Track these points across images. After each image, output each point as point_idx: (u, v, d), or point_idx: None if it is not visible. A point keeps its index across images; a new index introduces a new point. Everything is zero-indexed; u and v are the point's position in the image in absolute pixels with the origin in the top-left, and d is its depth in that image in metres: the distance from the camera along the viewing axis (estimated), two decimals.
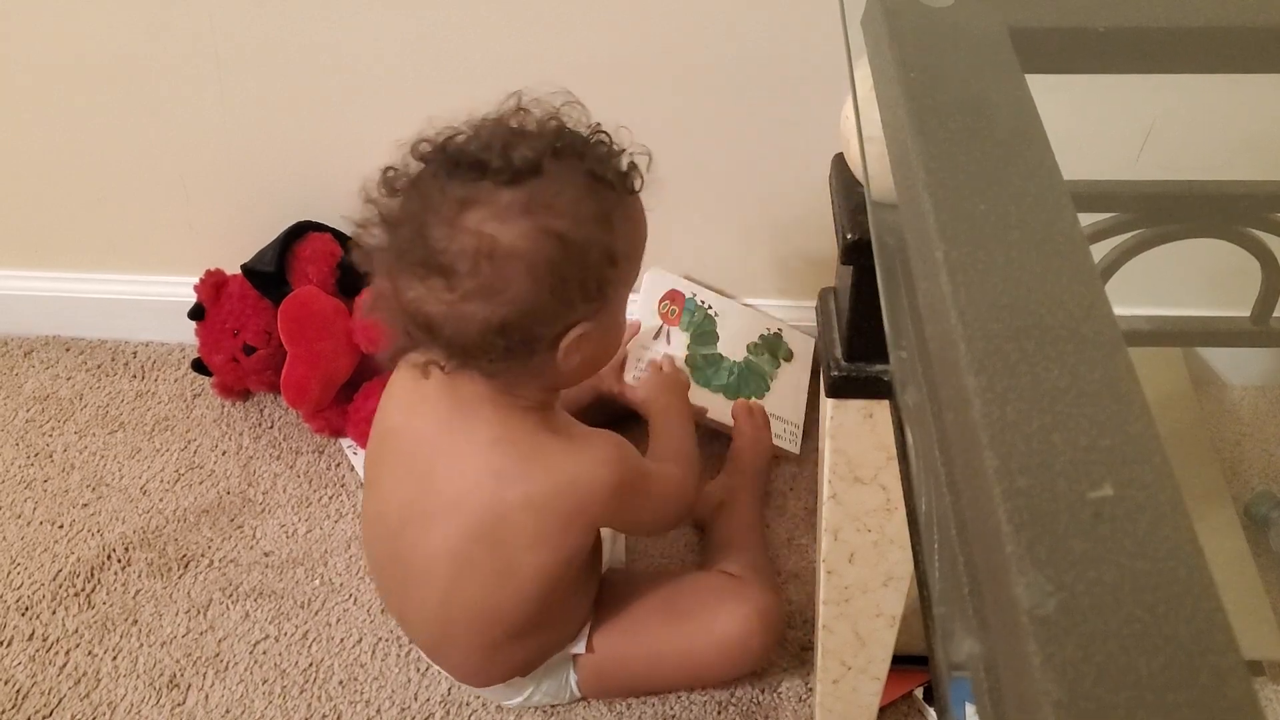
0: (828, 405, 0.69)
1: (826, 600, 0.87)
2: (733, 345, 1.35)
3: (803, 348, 1.39)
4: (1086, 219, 0.63)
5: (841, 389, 0.66)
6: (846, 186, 0.61)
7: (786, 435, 1.31)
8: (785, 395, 1.34)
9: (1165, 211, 0.59)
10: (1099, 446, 0.32)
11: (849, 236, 0.58)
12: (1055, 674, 0.27)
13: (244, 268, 1.36)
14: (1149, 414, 0.33)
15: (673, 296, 1.34)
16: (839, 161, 0.63)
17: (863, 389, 0.66)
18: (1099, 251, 0.64)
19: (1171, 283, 1.14)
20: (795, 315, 1.40)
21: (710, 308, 1.35)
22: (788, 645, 1.14)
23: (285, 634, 1.18)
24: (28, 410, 1.46)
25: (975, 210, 0.41)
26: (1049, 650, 0.28)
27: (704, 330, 1.34)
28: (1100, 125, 1.11)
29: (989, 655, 0.29)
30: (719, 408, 1.28)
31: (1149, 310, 0.72)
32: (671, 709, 1.10)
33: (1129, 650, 0.28)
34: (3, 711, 1.11)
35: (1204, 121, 1.13)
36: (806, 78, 1.15)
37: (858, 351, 0.65)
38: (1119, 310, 0.38)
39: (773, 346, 1.36)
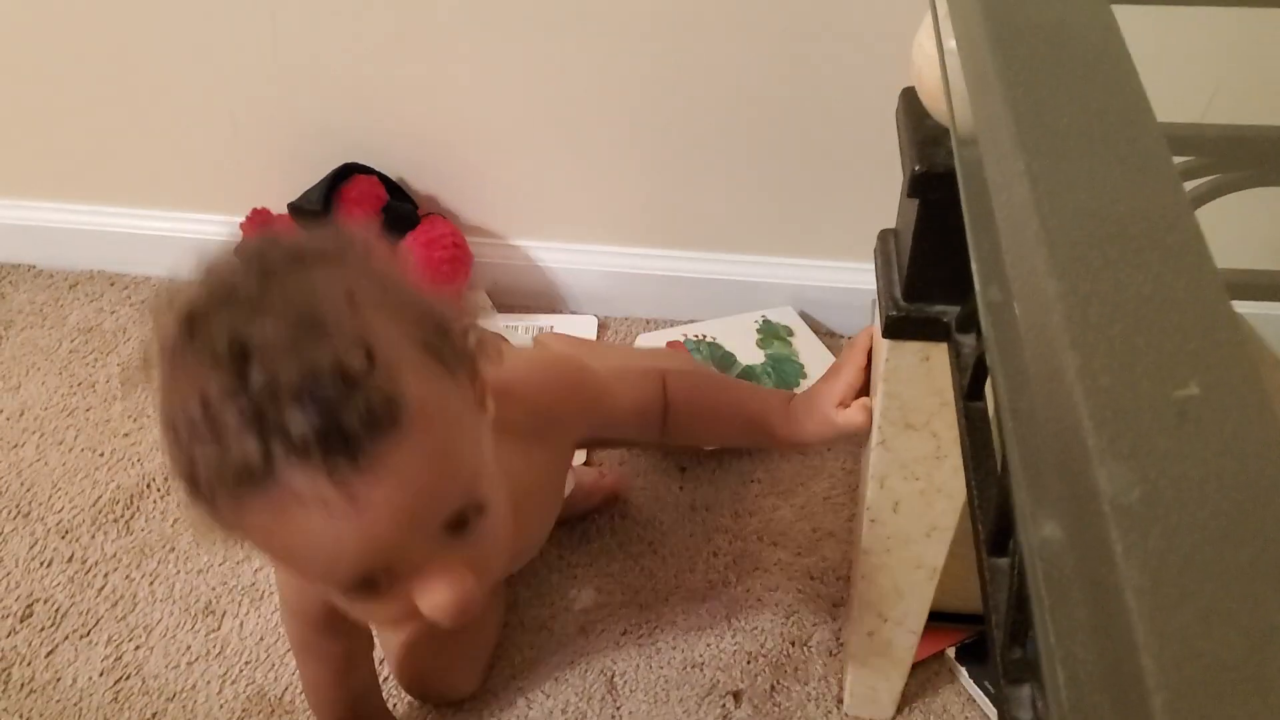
0: (883, 347, 0.69)
1: (867, 550, 0.86)
2: (747, 352, 1.37)
3: (792, 320, 1.42)
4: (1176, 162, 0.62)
5: (899, 329, 0.66)
6: (915, 119, 0.60)
7: None
8: (816, 360, 1.36)
9: (1241, 157, 0.58)
10: (1184, 350, 0.32)
11: (917, 169, 0.57)
12: (1138, 562, 0.27)
13: (290, 206, 1.37)
14: (1235, 319, 0.33)
15: (674, 348, 1.37)
16: (908, 94, 0.62)
17: (921, 330, 0.65)
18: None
19: (1244, 235, 1.12)
20: (819, 275, 1.39)
21: (707, 337, 1.38)
22: (820, 600, 1.14)
23: None
24: (72, 341, 1.48)
25: (1057, 124, 0.40)
26: (1131, 539, 0.27)
27: (720, 354, 1.36)
28: (1176, 65, 1.09)
29: (1067, 542, 0.29)
30: None
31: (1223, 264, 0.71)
32: (700, 655, 1.10)
33: (1214, 543, 0.28)
34: (42, 628, 1.13)
35: None
36: (870, 17, 1.14)
37: (918, 291, 0.64)
38: None
39: (772, 331, 1.39)
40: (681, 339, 1.38)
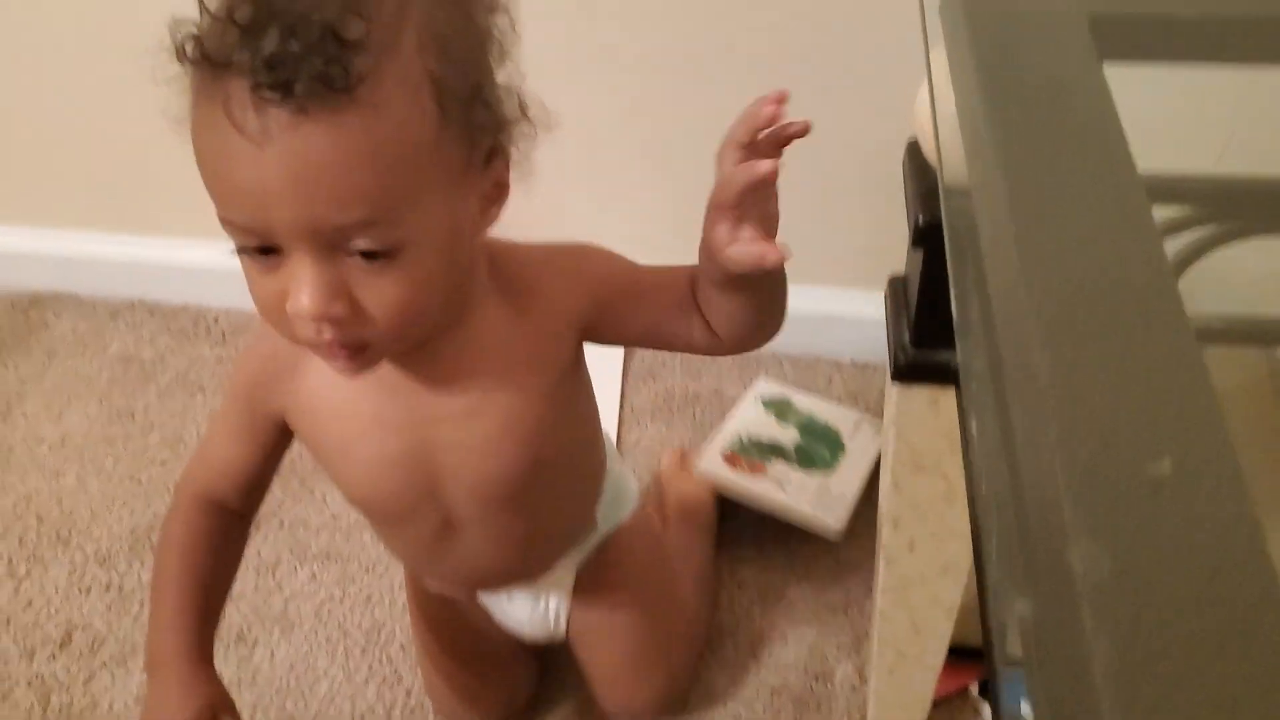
0: (893, 391, 0.70)
1: (885, 589, 0.87)
2: (775, 435, 1.32)
3: (777, 391, 1.39)
4: (1160, 212, 0.63)
5: (908, 374, 0.67)
6: (919, 172, 0.62)
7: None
8: (833, 416, 1.34)
9: (1242, 207, 0.58)
10: (1160, 424, 0.33)
11: (920, 220, 0.59)
12: (1107, 636, 0.28)
13: None
14: (1211, 394, 0.33)
15: (731, 460, 1.29)
16: (913, 148, 0.63)
17: (929, 375, 0.66)
18: (1171, 246, 0.64)
19: (1250, 281, 1.12)
20: (837, 306, 1.40)
21: (744, 438, 1.31)
22: (843, 634, 1.15)
23: (350, 596, 1.21)
24: (111, 370, 1.51)
25: (1047, 189, 0.41)
26: (1101, 613, 0.28)
27: (767, 448, 1.30)
28: (1182, 119, 1.09)
29: (1040, 617, 0.30)
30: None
31: (1227, 309, 0.71)
32: (723, 688, 1.11)
33: (1181, 617, 0.28)
34: (80, 655, 1.16)
35: None
36: (881, 66, 1.15)
37: (926, 337, 0.65)
38: (1192, 308, 0.38)
39: (777, 407, 1.36)
40: (727, 456, 1.28)
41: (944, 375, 0.65)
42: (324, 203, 0.58)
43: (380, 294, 0.62)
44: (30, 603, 1.21)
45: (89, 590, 1.22)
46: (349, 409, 0.77)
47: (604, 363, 1.45)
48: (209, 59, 0.57)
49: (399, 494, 0.81)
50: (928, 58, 0.53)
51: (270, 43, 0.55)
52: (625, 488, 1.03)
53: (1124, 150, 0.44)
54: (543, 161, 0.70)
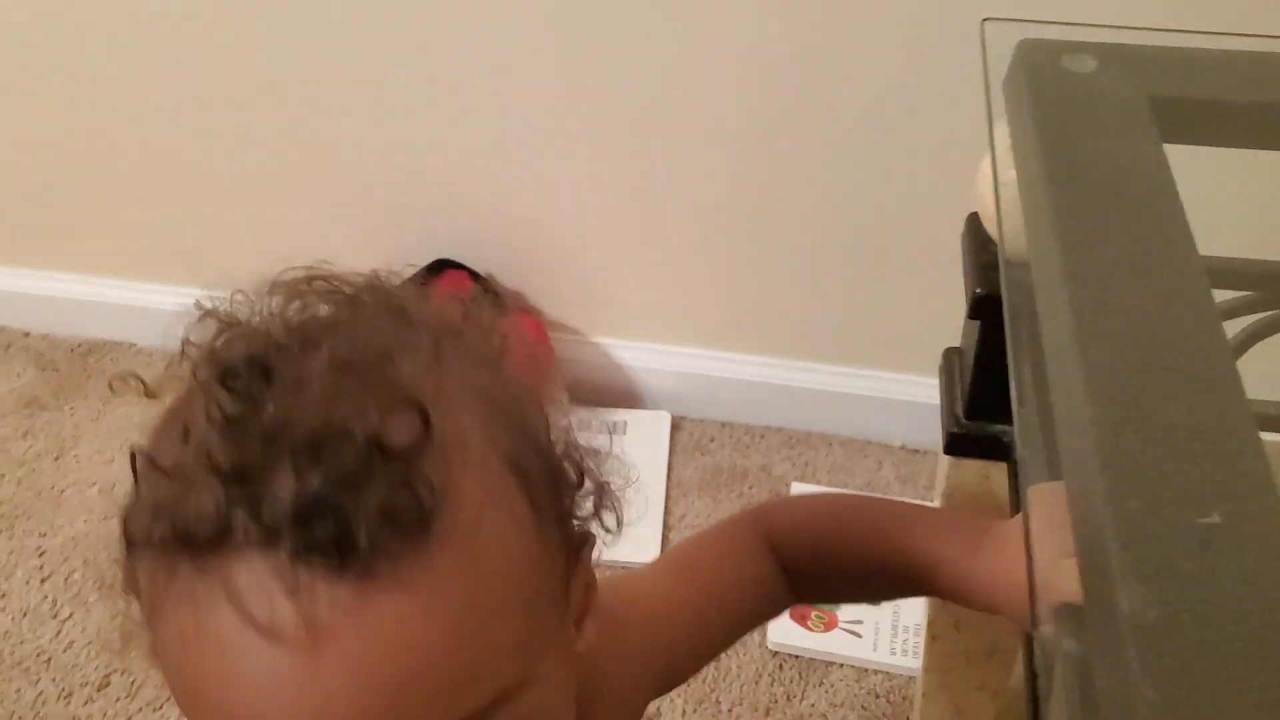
0: (943, 463, 0.70)
1: (929, 667, 0.86)
2: None
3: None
4: (1217, 296, 0.63)
5: (960, 447, 0.67)
6: (978, 244, 0.63)
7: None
8: None
9: None
10: (1210, 479, 0.33)
11: (978, 291, 0.60)
12: (1153, 679, 0.28)
13: None
14: (1262, 453, 0.34)
15: (801, 617, 1.24)
16: (972, 220, 0.65)
17: (981, 449, 0.66)
18: (1228, 330, 0.64)
19: None
20: (889, 389, 1.40)
21: None
22: (886, 719, 1.13)
23: None
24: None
25: (1103, 257, 0.42)
26: (1148, 656, 0.28)
27: None
28: (1243, 202, 1.09)
29: (1086, 656, 0.30)
30: None
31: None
32: None
33: (1228, 666, 0.29)
34: (117, 699, 1.16)
35: None
36: (942, 140, 1.17)
37: (979, 410, 0.65)
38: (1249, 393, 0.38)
39: None
40: (794, 613, 1.20)
41: (996, 449, 0.65)
42: (431, 700, 0.35)
43: None
44: (71, 644, 1.22)
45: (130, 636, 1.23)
46: None
47: (651, 432, 1.46)
48: (187, 539, 0.35)
49: None
50: (991, 133, 0.54)
51: (286, 484, 0.34)
52: None
53: (1185, 229, 0.44)
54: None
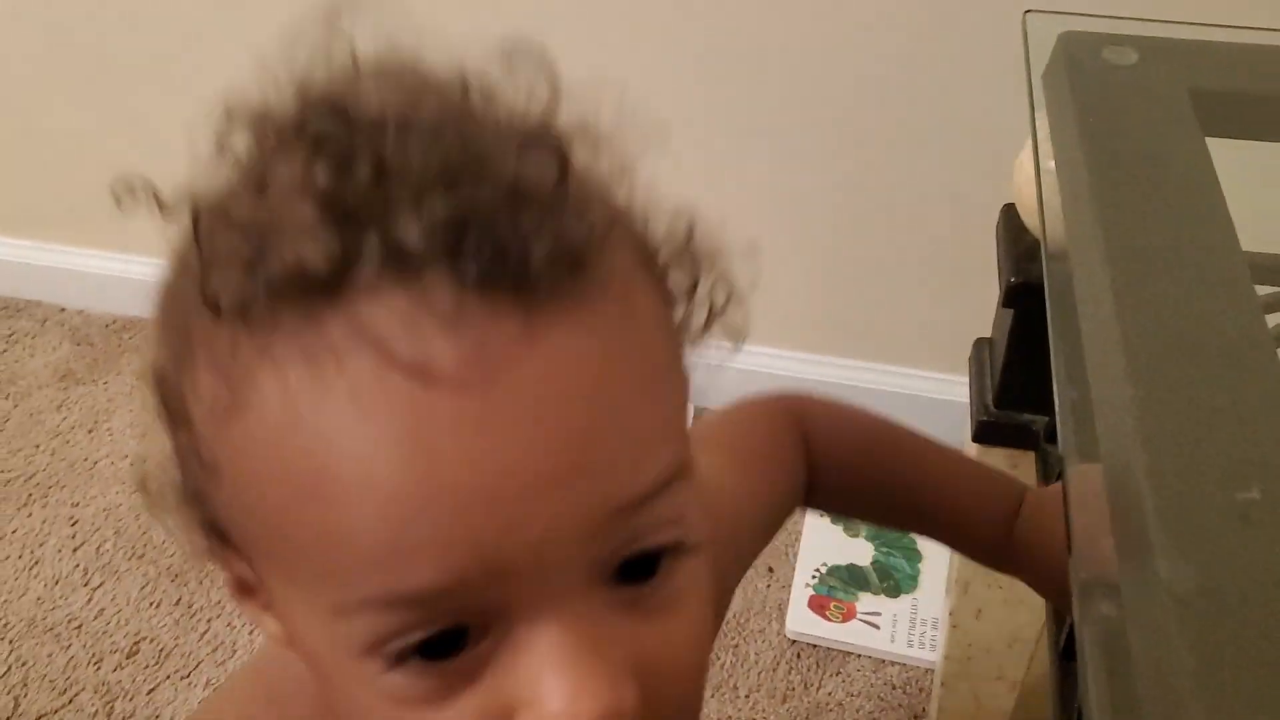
0: (972, 452, 0.71)
1: (949, 656, 0.87)
2: (846, 550, 1.29)
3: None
4: (1258, 290, 0.63)
5: (988, 435, 0.68)
6: (1014, 234, 0.63)
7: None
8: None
9: None
10: (1250, 457, 0.34)
11: (1013, 280, 0.60)
12: (1192, 648, 0.29)
13: None
14: None
15: (819, 605, 1.26)
16: (1008, 210, 0.65)
17: (1009, 437, 0.67)
18: (1272, 321, 0.64)
19: None
20: (917, 386, 1.40)
21: (823, 568, 1.28)
22: (901, 710, 1.14)
23: None
24: None
25: (1145, 244, 0.43)
26: (1186, 625, 0.29)
27: (850, 573, 1.29)
28: None
29: (1122, 626, 0.31)
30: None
31: None
32: None
33: (1265, 636, 0.29)
34: (146, 666, 1.18)
35: None
36: (978, 129, 1.17)
37: (1009, 399, 0.66)
38: None
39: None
40: (812, 601, 1.24)
41: (1025, 438, 0.66)
42: (614, 458, 0.30)
43: (672, 640, 0.32)
44: (101, 611, 1.24)
45: (159, 604, 1.25)
46: None
47: None
48: (297, 281, 0.28)
49: None
50: (1033, 123, 0.55)
51: (428, 207, 0.28)
52: None
53: (1226, 221, 0.45)
54: None
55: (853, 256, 1.34)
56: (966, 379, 0.75)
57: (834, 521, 1.32)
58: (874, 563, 1.27)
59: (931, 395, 1.43)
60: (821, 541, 1.31)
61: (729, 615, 1.22)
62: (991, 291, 0.70)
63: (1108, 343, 0.39)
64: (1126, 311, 0.40)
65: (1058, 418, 0.37)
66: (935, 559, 1.26)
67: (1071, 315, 0.43)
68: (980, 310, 0.98)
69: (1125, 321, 0.39)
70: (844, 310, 1.41)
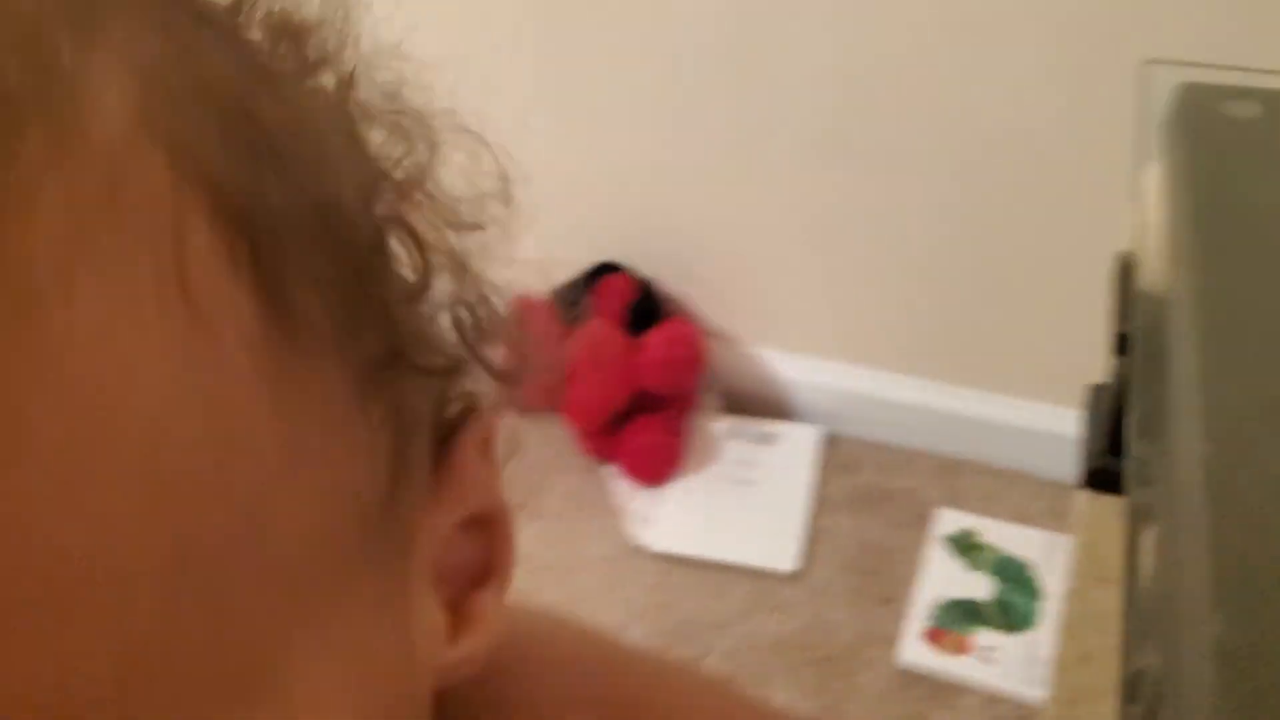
0: (1081, 498, 0.70)
1: (1055, 699, 0.86)
2: (959, 584, 1.30)
3: (966, 522, 1.36)
4: None
5: (1099, 481, 0.67)
6: (1125, 282, 0.63)
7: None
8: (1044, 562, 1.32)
9: None
10: None
11: (1121, 329, 0.60)
12: (1234, 702, 0.30)
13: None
14: None
15: (934, 637, 1.26)
16: (1122, 259, 0.65)
17: (1120, 484, 0.67)
18: None
19: None
20: (1040, 421, 1.38)
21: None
22: None
23: None
24: None
25: (1240, 299, 0.43)
26: (1228, 677, 0.30)
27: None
28: None
29: (1166, 670, 0.32)
30: None
31: None
32: None
33: None
34: None
35: None
36: (1094, 174, 1.16)
37: (1119, 445, 0.66)
38: None
39: (966, 543, 1.34)
40: (928, 633, 1.25)
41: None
42: None
43: None
44: None
45: None
46: None
47: (798, 445, 1.48)
48: None
49: None
50: (1146, 174, 0.55)
51: None
52: None
53: None
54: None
55: (984, 288, 1.34)
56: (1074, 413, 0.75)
57: (953, 554, 1.31)
58: (995, 601, 1.26)
59: (1059, 431, 1.41)
60: (941, 574, 1.30)
61: (840, 643, 1.23)
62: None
63: (1190, 399, 0.40)
64: (1212, 370, 0.40)
65: (1126, 472, 0.38)
66: (1057, 598, 1.24)
67: (1160, 368, 0.44)
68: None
69: (1208, 379, 0.39)
70: (973, 340, 1.40)
